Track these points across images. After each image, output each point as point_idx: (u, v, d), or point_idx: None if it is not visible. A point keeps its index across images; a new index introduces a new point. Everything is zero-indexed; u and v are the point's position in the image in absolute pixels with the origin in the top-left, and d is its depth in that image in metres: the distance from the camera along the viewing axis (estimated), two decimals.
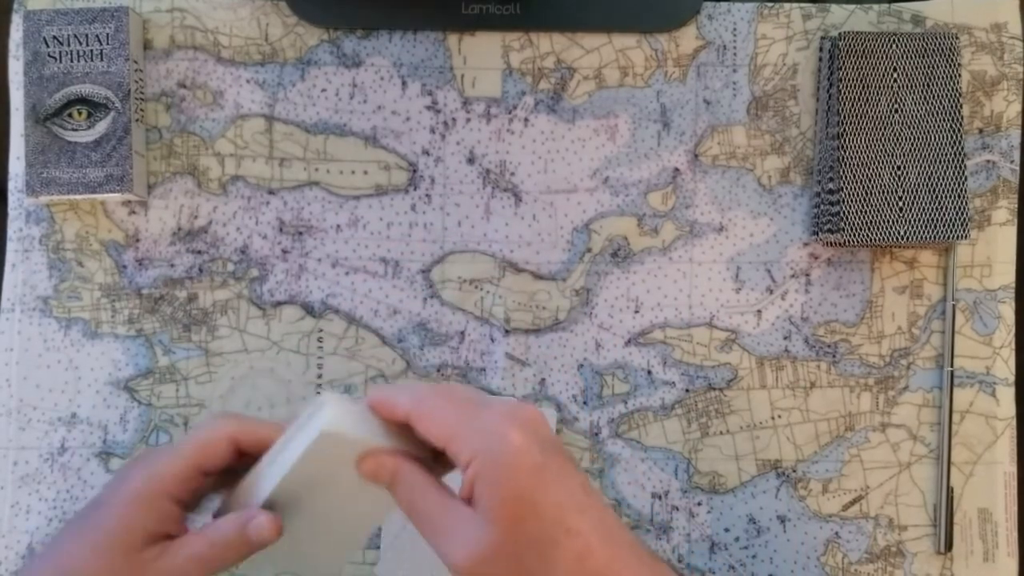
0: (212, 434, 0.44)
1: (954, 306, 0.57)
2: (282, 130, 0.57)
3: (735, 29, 0.58)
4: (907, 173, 0.55)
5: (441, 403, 0.41)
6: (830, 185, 0.55)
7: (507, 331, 0.57)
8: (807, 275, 0.57)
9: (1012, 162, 0.57)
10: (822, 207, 0.56)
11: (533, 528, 0.38)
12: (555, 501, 0.39)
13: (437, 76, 0.58)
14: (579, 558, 0.39)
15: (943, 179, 0.55)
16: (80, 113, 0.54)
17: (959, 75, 0.56)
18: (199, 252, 0.57)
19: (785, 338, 0.57)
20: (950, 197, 0.55)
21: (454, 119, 0.57)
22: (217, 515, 0.44)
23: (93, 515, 0.43)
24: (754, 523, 0.56)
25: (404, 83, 0.58)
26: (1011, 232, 0.57)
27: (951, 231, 0.54)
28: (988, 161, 0.57)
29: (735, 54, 0.58)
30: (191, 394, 0.56)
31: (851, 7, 0.58)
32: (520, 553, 0.39)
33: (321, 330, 0.57)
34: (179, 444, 0.44)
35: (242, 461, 0.44)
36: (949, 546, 0.56)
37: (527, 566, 0.39)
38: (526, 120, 0.57)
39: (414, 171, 0.57)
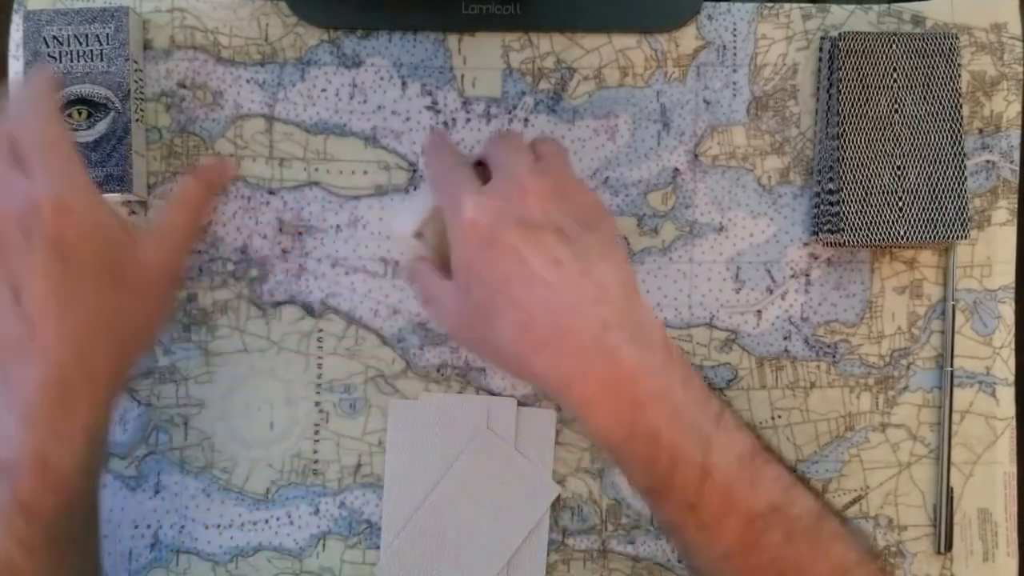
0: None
1: (954, 306, 0.57)
2: (282, 130, 0.57)
3: (735, 29, 0.58)
4: (907, 173, 0.55)
5: (448, 165, 0.48)
6: (830, 185, 0.55)
7: None
8: (807, 275, 0.57)
9: (1012, 162, 0.57)
10: (822, 207, 0.56)
11: (479, 295, 0.43)
12: (502, 274, 0.42)
13: (437, 76, 0.58)
14: (520, 328, 0.42)
15: (943, 179, 0.55)
16: (80, 113, 0.54)
17: (959, 75, 0.56)
18: (199, 252, 0.57)
19: (785, 338, 0.57)
20: (950, 197, 0.55)
21: (454, 119, 0.57)
22: None
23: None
24: None
25: (404, 83, 0.58)
26: (1011, 232, 0.57)
27: (951, 231, 0.54)
28: (988, 161, 0.57)
29: (735, 54, 0.58)
30: (191, 394, 0.56)
31: (851, 7, 0.58)
32: (474, 318, 0.44)
33: (321, 330, 0.57)
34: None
35: None
36: (949, 546, 0.56)
37: (480, 332, 0.44)
38: (526, 120, 0.57)
39: (414, 171, 0.57)
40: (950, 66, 0.56)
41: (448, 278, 0.46)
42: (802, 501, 0.43)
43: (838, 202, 0.55)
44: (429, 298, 0.49)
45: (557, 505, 0.56)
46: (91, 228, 0.43)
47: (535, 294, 0.42)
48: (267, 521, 0.56)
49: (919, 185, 0.55)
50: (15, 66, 0.57)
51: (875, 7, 0.58)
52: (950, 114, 0.55)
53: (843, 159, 0.55)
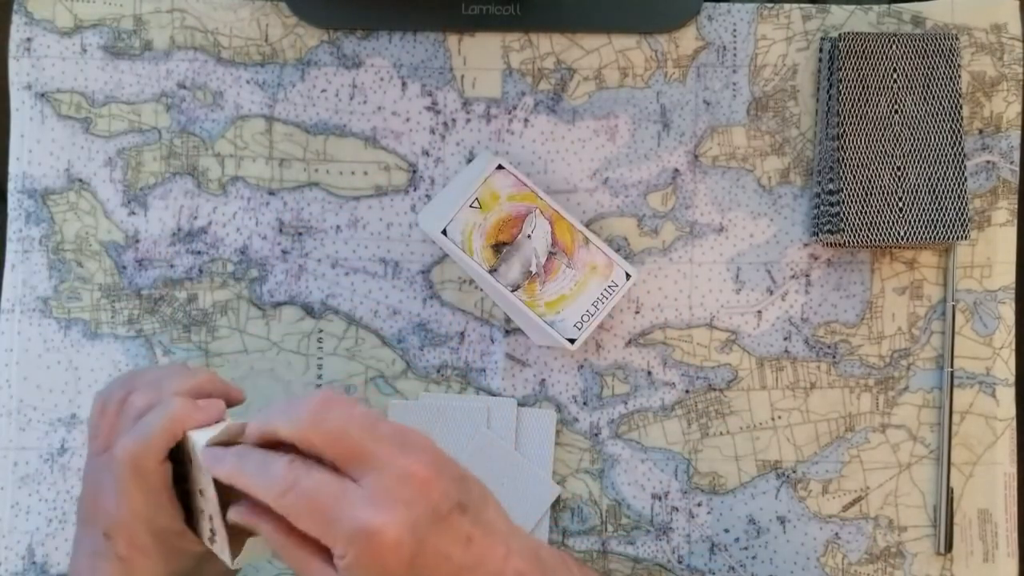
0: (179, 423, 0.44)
1: (954, 307, 0.57)
2: (282, 131, 0.57)
3: (735, 30, 0.58)
4: (907, 174, 0.55)
5: (313, 485, 0.39)
6: (830, 186, 0.55)
7: (507, 331, 0.57)
8: (807, 276, 0.57)
9: (1012, 163, 0.57)
10: (822, 208, 0.56)
11: None
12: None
13: (437, 77, 0.58)
14: None
15: (943, 180, 0.55)
16: None
17: (959, 76, 0.56)
18: (199, 253, 0.57)
19: (785, 339, 0.57)
20: (950, 198, 0.55)
21: (454, 120, 0.57)
22: None
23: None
24: (754, 524, 0.56)
25: (404, 84, 0.58)
26: (1011, 233, 0.57)
27: (951, 232, 0.54)
28: (988, 162, 0.57)
29: (735, 55, 0.58)
30: None
31: (851, 8, 0.58)
32: None
33: (321, 331, 0.57)
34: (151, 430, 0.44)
35: None
36: (949, 547, 0.56)
37: None
38: (526, 121, 0.57)
39: (414, 172, 0.57)
40: (950, 67, 0.56)
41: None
42: None
43: (838, 203, 0.55)
44: None
45: (557, 506, 0.56)
46: (163, 556, 0.45)
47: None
48: None
49: (919, 186, 0.55)
50: (15, 66, 0.57)
51: (875, 8, 0.58)
52: (950, 115, 0.55)
53: (843, 159, 0.55)
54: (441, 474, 0.40)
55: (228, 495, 0.41)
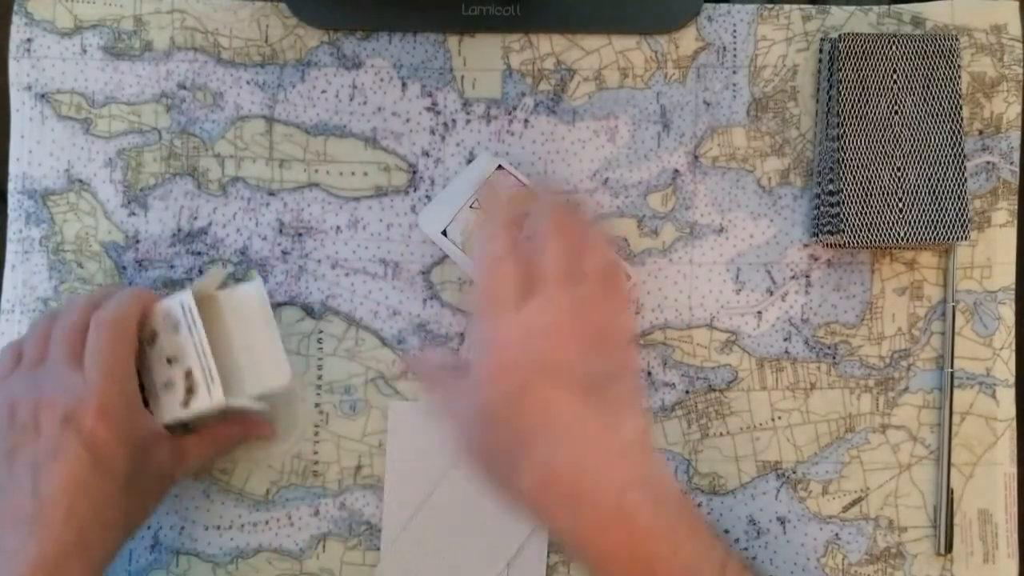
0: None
1: (954, 307, 0.57)
2: (282, 131, 0.57)
3: (735, 31, 0.58)
4: (907, 174, 0.55)
5: (496, 262, 0.45)
6: (830, 186, 0.55)
7: None
8: (807, 276, 0.57)
9: (1012, 163, 0.57)
10: (822, 208, 0.56)
11: (504, 438, 0.42)
12: (528, 424, 0.42)
13: (437, 77, 0.58)
14: (542, 483, 0.41)
15: (943, 180, 0.55)
16: None
17: (959, 76, 0.56)
18: (199, 253, 0.57)
19: (785, 339, 0.57)
20: (950, 198, 0.55)
21: (454, 120, 0.57)
22: None
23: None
24: (754, 524, 0.56)
25: (404, 84, 0.58)
26: (1011, 233, 0.57)
27: (951, 232, 0.54)
28: (988, 162, 0.57)
29: (735, 55, 0.58)
30: None
31: (851, 8, 0.58)
32: (494, 457, 0.43)
33: (321, 331, 0.57)
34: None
35: None
36: (949, 547, 0.56)
37: (501, 473, 0.43)
38: (526, 122, 0.57)
39: (414, 172, 0.57)
40: (950, 67, 0.56)
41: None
42: None
43: (838, 203, 0.55)
44: (444, 410, 0.46)
45: None
46: (124, 436, 0.47)
47: (560, 452, 0.41)
48: (267, 522, 0.56)
49: (919, 186, 0.55)
50: (15, 66, 0.57)
51: (875, 8, 0.58)
52: (950, 115, 0.55)
53: (843, 160, 0.55)
54: (586, 346, 0.43)
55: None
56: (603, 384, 0.43)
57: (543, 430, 0.41)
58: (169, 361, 0.50)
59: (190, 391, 0.49)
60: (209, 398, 0.49)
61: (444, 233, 0.53)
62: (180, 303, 0.50)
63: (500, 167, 0.54)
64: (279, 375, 0.51)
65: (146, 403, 0.50)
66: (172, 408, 0.50)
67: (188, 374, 0.49)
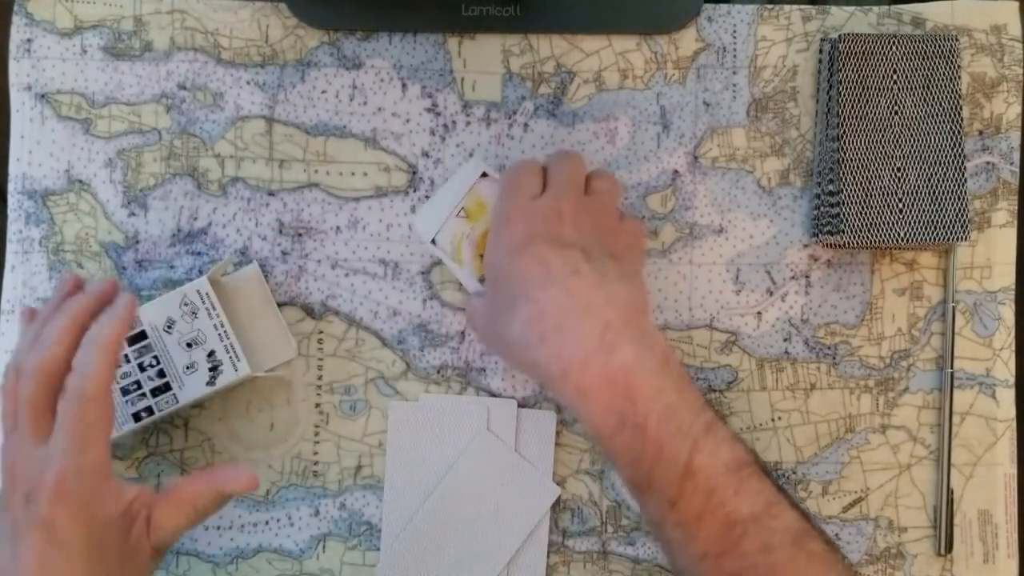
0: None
1: (954, 308, 0.57)
2: (282, 132, 0.57)
3: (735, 31, 0.58)
4: (907, 175, 0.55)
5: (523, 170, 0.52)
6: (830, 187, 0.55)
7: None
8: (807, 277, 0.57)
9: (1012, 164, 0.57)
10: (822, 209, 0.56)
11: (503, 293, 0.49)
12: (524, 274, 0.47)
13: (437, 79, 0.58)
14: (529, 320, 0.46)
15: (943, 181, 0.55)
16: None
17: (959, 77, 0.56)
18: (199, 254, 0.57)
19: (785, 340, 0.57)
20: (950, 199, 0.55)
21: (454, 122, 0.57)
22: None
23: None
24: None
25: (404, 85, 0.58)
26: (1011, 234, 0.57)
27: (951, 233, 0.54)
28: (988, 163, 0.57)
29: (735, 56, 0.58)
30: None
31: (851, 9, 0.58)
32: (495, 315, 0.49)
33: (321, 332, 0.57)
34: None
35: None
36: (949, 548, 0.56)
37: (498, 327, 0.49)
38: (525, 126, 0.57)
39: (414, 173, 0.57)
40: (950, 68, 0.56)
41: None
42: (785, 516, 0.44)
43: (838, 204, 0.55)
44: (468, 306, 0.54)
45: (557, 507, 0.56)
46: (85, 517, 0.45)
47: (550, 293, 0.46)
48: (267, 522, 0.56)
49: (919, 187, 0.55)
50: (15, 66, 0.57)
51: (875, 9, 0.58)
52: (950, 116, 0.55)
53: (843, 161, 0.55)
54: (584, 228, 0.49)
55: None
56: (599, 255, 0.48)
57: (537, 279, 0.47)
58: (189, 345, 0.53)
59: (214, 369, 0.53)
60: (236, 371, 0.53)
61: (433, 242, 0.53)
62: (197, 290, 0.53)
63: (485, 175, 0.54)
64: (286, 348, 0.56)
65: (167, 388, 0.53)
66: (198, 387, 0.53)
67: (211, 354, 0.53)
